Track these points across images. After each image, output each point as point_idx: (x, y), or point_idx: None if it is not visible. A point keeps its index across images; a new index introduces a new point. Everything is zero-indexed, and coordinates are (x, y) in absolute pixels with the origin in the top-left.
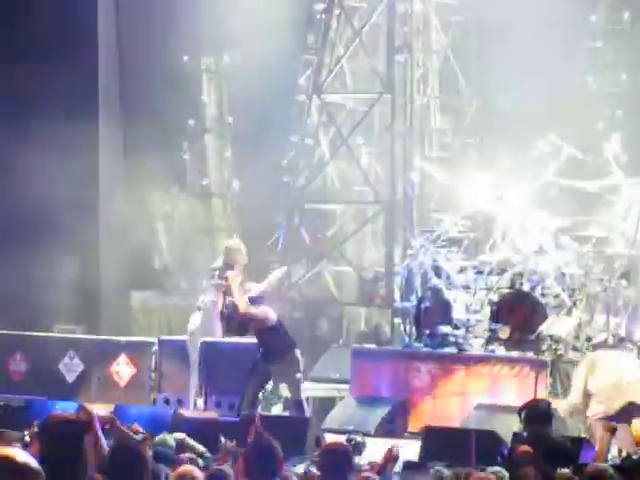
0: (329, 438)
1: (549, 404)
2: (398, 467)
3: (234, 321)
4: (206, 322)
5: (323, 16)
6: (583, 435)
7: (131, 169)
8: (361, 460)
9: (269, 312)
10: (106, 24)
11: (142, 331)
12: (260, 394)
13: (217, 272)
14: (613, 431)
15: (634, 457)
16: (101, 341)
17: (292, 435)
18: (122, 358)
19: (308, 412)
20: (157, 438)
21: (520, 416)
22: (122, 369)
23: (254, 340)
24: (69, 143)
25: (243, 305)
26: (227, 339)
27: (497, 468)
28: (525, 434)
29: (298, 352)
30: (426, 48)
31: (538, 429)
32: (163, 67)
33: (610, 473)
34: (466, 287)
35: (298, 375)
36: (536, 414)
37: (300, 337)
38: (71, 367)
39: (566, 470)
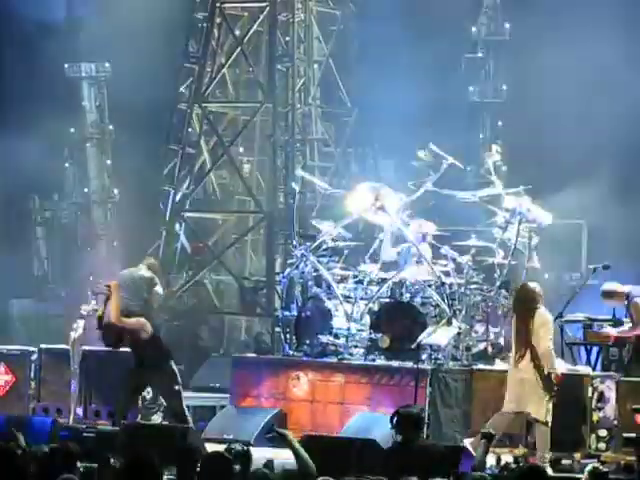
0: (209, 447)
1: (421, 409)
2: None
3: (110, 331)
4: (89, 330)
5: (204, 24)
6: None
7: (11, 175)
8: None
9: (145, 324)
10: None
11: (21, 340)
12: (138, 402)
13: (100, 281)
14: (490, 438)
15: (512, 466)
16: None
17: (171, 445)
18: (1, 367)
19: (190, 423)
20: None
21: (392, 422)
22: (1, 378)
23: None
24: None
25: (115, 315)
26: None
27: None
28: (398, 440)
29: (173, 364)
30: (307, 57)
31: (410, 435)
32: (44, 74)
33: None
34: (346, 297)
35: (176, 387)
36: (408, 420)
37: (181, 346)
38: None
39: None
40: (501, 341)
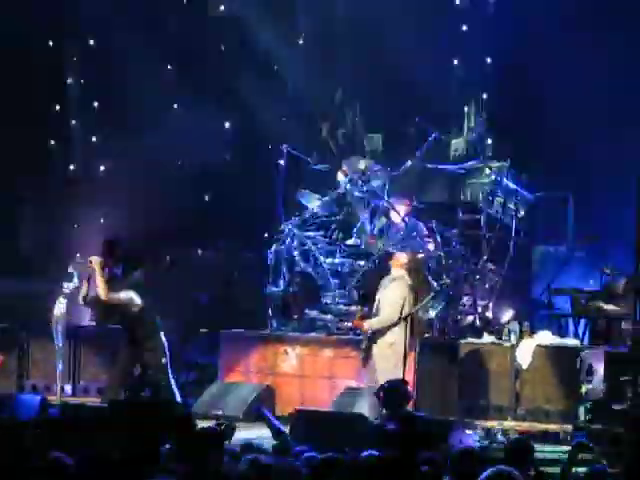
0: (198, 423)
1: (406, 383)
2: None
3: (99, 307)
4: (71, 308)
5: None
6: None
7: None
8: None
9: (133, 297)
10: None
11: (7, 318)
12: (127, 379)
13: (78, 257)
14: None
15: (500, 438)
16: None
17: (162, 419)
18: None
19: (178, 397)
20: None
21: (378, 397)
22: None
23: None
24: None
25: (103, 292)
26: (93, 324)
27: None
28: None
29: (162, 336)
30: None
31: (396, 409)
32: (28, 51)
33: (476, 454)
34: (334, 271)
35: (164, 360)
36: (392, 394)
37: (168, 322)
38: None
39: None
40: (489, 314)
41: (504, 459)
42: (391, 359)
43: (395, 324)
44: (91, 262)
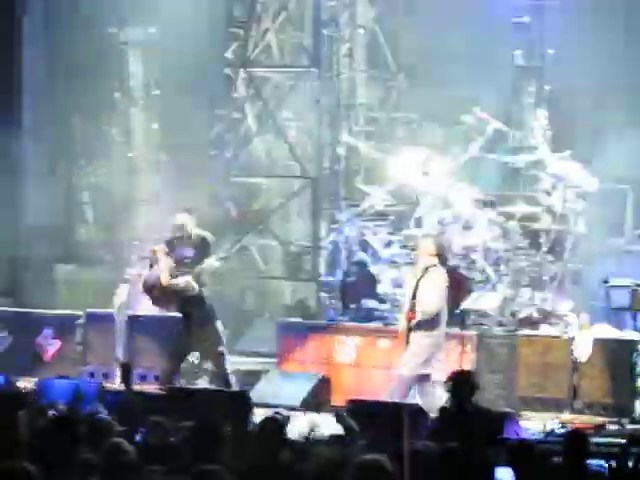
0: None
1: (473, 375)
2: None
3: (158, 293)
4: (133, 295)
5: None
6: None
7: (56, 141)
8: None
9: (191, 281)
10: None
11: (66, 304)
12: (181, 366)
13: (138, 244)
14: None
15: (558, 432)
16: (27, 314)
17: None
18: (48, 331)
19: (234, 386)
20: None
21: (446, 387)
22: (48, 342)
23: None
24: None
25: (165, 278)
26: (153, 312)
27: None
28: (450, 405)
29: (219, 324)
30: (352, 22)
31: (464, 399)
32: (89, 39)
33: (532, 446)
34: (392, 261)
35: (220, 348)
36: (464, 384)
37: (225, 311)
38: None
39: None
40: (547, 306)
41: (561, 451)
42: (429, 349)
43: (439, 313)
44: (155, 252)
